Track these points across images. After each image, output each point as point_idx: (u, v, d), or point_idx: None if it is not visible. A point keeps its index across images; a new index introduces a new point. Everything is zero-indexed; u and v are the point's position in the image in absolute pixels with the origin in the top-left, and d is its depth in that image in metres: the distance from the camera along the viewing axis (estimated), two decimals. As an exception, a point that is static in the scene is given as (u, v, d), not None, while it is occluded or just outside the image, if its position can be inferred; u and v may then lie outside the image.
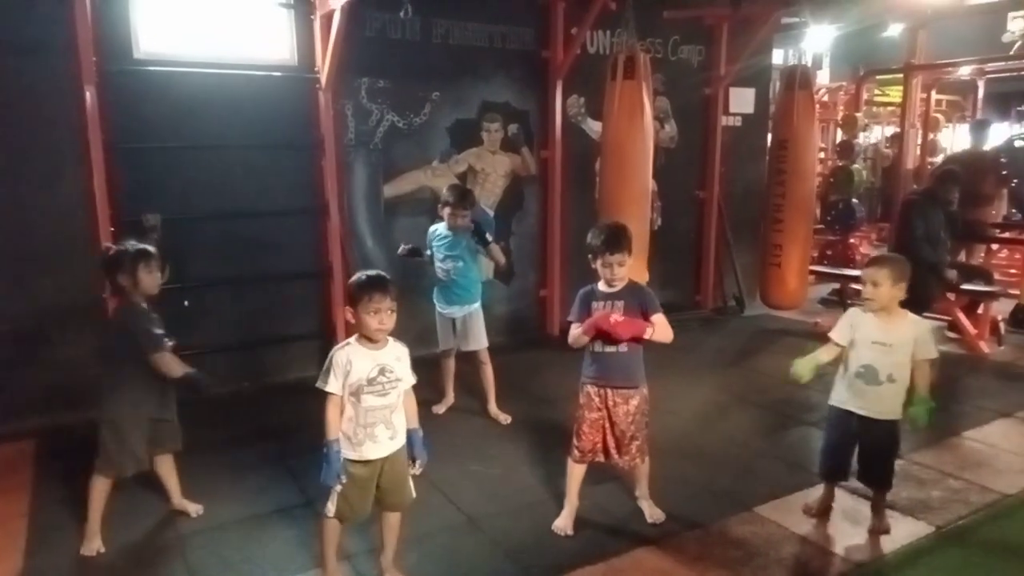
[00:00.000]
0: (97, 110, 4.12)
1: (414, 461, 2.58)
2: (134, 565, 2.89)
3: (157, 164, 4.50)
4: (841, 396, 3.03)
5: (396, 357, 2.51)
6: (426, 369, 4.38)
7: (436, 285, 4.27)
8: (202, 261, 4.68)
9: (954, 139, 10.99)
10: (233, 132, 4.69)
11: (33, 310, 4.24)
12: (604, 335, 2.86)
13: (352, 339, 2.49)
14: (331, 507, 2.50)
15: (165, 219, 4.28)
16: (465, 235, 4.12)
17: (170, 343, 2.90)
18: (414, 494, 2.65)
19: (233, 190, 4.77)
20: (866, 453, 3.02)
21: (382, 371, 2.45)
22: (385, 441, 2.49)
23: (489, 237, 4.16)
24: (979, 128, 7.62)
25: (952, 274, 5.62)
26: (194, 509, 3.21)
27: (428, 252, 4.25)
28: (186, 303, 4.47)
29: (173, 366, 2.88)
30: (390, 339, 2.52)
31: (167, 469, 3.17)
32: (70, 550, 2.92)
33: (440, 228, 4.20)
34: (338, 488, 2.45)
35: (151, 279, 2.92)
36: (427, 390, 4.42)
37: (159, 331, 2.88)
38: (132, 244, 2.99)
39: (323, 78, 4.82)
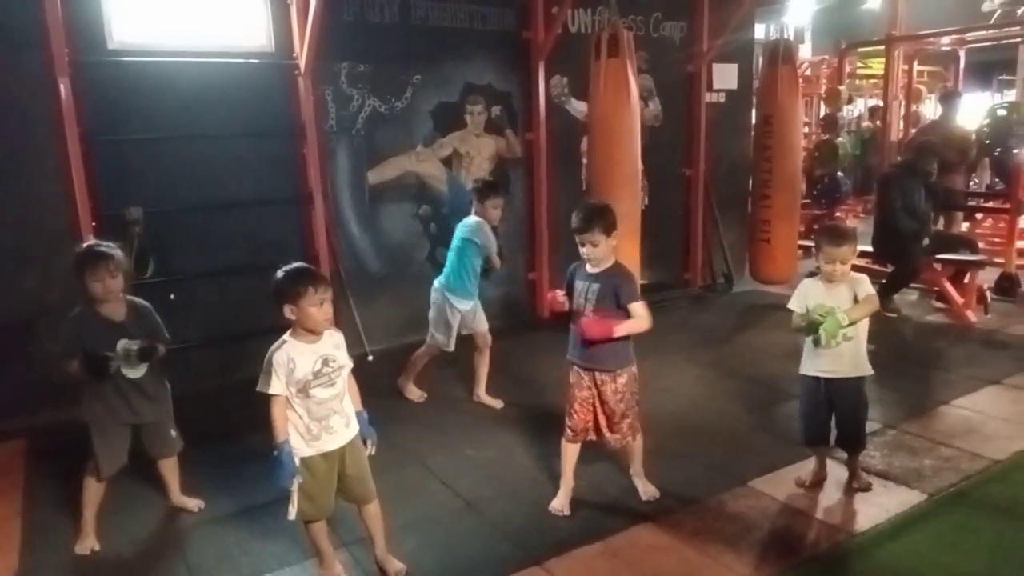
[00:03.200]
0: (72, 102, 4.03)
1: (365, 442, 2.56)
2: (133, 561, 2.87)
3: (137, 156, 4.43)
4: (807, 363, 3.11)
5: (335, 345, 2.49)
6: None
7: (470, 279, 4.10)
8: (186, 254, 4.63)
9: (936, 109, 11.05)
10: (213, 121, 4.61)
11: (18, 308, 4.17)
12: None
13: (286, 336, 2.44)
14: (292, 510, 2.47)
15: (147, 212, 4.23)
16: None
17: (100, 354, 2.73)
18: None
19: (215, 181, 4.70)
20: (839, 416, 3.11)
21: (325, 362, 2.42)
22: (341, 429, 2.48)
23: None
24: (948, 99, 7.65)
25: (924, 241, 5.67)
26: (194, 504, 3.19)
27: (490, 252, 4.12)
28: (172, 296, 4.41)
29: (71, 370, 2.72)
30: None
31: (168, 468, 3.15)
32: (66, 549, 2.89)
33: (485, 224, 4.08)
34: (294, 488, 2.41)
35: (99, 287, 2.76)
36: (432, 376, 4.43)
37: (69, 343, 2.74)
38: (91, 245, 2.88)
39: (302, 64, 4.74)
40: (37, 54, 3.96)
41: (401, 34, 5.28)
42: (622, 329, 2.84)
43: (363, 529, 2.69)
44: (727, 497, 3.15)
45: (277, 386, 2.38)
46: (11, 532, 3.07)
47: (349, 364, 2.53)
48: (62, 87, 4.00)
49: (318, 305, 2.37)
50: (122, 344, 2.77)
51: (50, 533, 3.03)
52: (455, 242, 4.15)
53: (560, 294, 3.02)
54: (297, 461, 2.41)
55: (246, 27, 4.74)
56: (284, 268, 2.44)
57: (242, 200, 4.79)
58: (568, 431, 3.07)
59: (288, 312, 2.38)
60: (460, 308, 4.13)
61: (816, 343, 2.97)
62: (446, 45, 5.50)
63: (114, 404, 2.87)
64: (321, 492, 2.48)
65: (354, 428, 2.53)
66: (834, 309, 2.91)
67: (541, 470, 3.44)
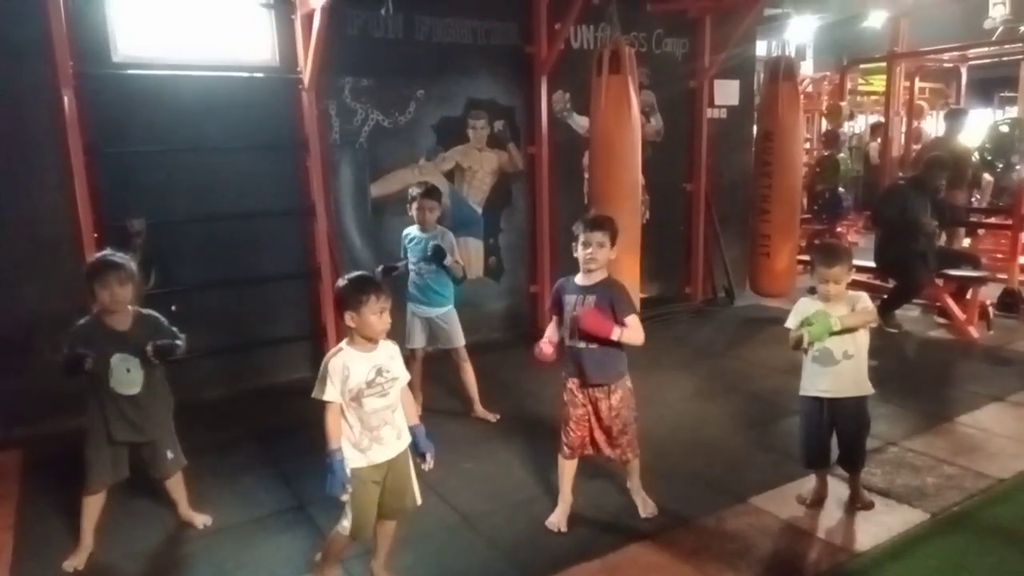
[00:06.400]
0: (76, 114, 4.06)
1: (424, 457, 2.53)
2: (128, 574, 2.84)
3: (140, 168, 4.44)
4: (806, 384, 3.07)
5: (390, 356, 2.48)
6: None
7: (411, 284, 4.19)
8: (189, 265, 4.64)
9: (938, 126, 11.07)
10: (217, 134, 4.63)
11: (18, 318, 4.17)
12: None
13: (343, 344, 2.44)
14: (347, 524, 2.46)
15: (150, 223, 4.24)
16: (428, 249, 4.05)
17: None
18: (419, 500, 2.60)
19: (218, 193, 4.71)
20: (840, 436, 3.07)
21: (379, 372, 2.42)
22: (392, 441, 2.47)
23: (448, 261, 4.03)
24: (954, 116, 7.66)
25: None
26: (200, 521, 3.14)
27: (403, 256, 4.21)
28: (173, 308, 4.39)
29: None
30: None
31: (172, 486, 3.11)
32: (58, 563, 2.85)
33: (412, 231, 4.18)
34: (345, 498, 2.39)
35: (106, 295, 2.78)
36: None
37: (70, 349, 2.73)
38: (104, 255, 2.90)
39: (306, 78, 4.77)
40: (41, 65, 3.98)
41: (405, 49, 5.31)
42: (618, 332, 2.81)
43: (370, 540, 2.64)
44: (727, 515, 3.12)
45: (332, 393, 2.37)
46: (2, 545, 3.03)
47: (404, 377, 2.53)
48: (66, 98, 4.02)
49: (378, 314, 2.38)
50: (117, 357, 2.78)
51: (42, 547, 3.00)
52: None
53: (545, 345, 2.92)
54: (348, 472, 2.38)
55: (251, 41, 4.77)
56: (347, 276, 2.45)
57: (245, 212, 4.80)
58: (565, 448, 3.05)
59: (349, 319, 2.39)
60: (416, 313, 4.18)
61: (803, 344, 2.90)
62: (449, 60, 5.53)
63: (110, 420, 2.85)
64: (368, 505, 2.46)
65: (405, 440, 2.52)
66: (828, 313, 2.88)
67: (538, 485, 3.42)
